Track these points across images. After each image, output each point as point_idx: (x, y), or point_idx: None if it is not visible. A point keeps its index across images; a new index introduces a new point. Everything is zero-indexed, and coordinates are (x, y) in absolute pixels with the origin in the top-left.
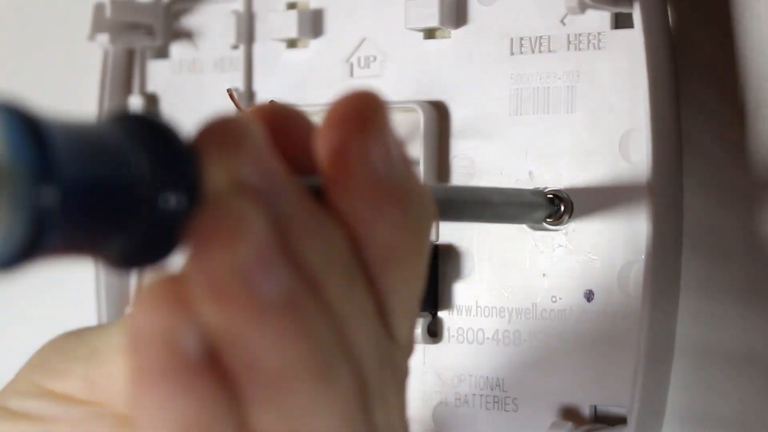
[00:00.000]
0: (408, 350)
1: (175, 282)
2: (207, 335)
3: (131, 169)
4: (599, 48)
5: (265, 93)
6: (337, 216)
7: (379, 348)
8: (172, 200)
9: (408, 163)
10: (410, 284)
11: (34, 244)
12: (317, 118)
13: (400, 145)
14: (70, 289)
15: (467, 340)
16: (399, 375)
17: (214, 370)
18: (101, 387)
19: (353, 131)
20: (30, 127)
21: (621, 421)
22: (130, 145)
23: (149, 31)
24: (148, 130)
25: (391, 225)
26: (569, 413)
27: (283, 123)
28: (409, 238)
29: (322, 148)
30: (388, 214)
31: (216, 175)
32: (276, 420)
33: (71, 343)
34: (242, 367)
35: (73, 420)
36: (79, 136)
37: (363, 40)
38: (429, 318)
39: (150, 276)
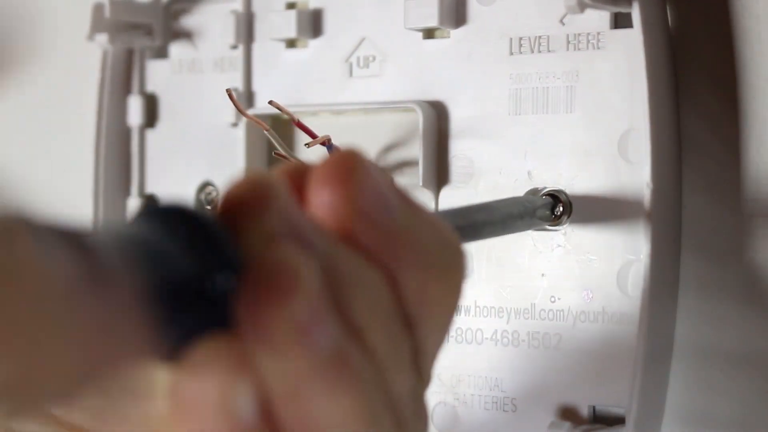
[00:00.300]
0: (429, 383)
1: (225, 345)
2: (261, 393)
3: (171, 263)
4: (598, 48)
5: (265, 93)
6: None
7: (413, 392)
8: (219, 282)
9: (413, 206)
10: (443, 326)
11: None
12: (316, 118)
13: (399, 191)
14: None
15: (466, 340)
16: (425, 410)
17: (267, 430)
18: (112, 423)
19: (336, 189)
20: (77, 245)
21: (619, 421)
22: (162, 239)
23: (148, 31)
24: (176, 220)
25: (414, 270)
26: (568, 413)
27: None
28: (437, 278)
29: (316, 213)
30: (406, 259)
31: (252, 236)
32: None
33: None
34: (296, 423)
35: None
36: (119, 242)
37: (362, 39)
38: None
39: (198, 342)
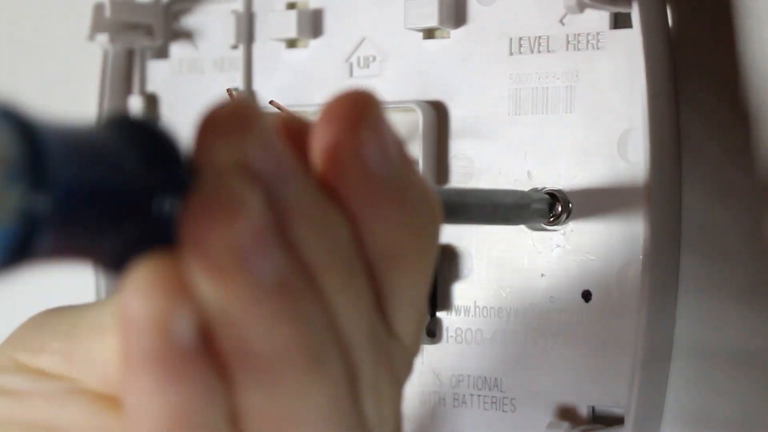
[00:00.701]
0: (413, 349)
1: (169, 265)
2: (201, 317)
3: (123, 173)
4: (598, 48)
5: (265, 93)
6: (343, 210)
7: (374, 342)
8: (165, 203)
9: (408, 162)
10: (413, 282)
11: (24, 249)
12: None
13: (398, 144)
14: (69, 289)
15: (465, 340)
16: (397, 371)
17: (205, 354)
18: (77, 363)
19: (345, 128)
20: (23, 131)
21: (618, 421)
22: (122, 149)
23: (149, 31)
24: (140, 133)
25: (390, 223)
26: (567, 413)
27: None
28: (410, 235)
29: (316, 146)
30: (386, 211)
31: (223, 154)
32: (264, 402)
33: (51, 320)
34: (234, 349)
35: (47, 394)
36: (73, 140)
37: (362, 40)
38: (427, 318)
39: (142, 260)
